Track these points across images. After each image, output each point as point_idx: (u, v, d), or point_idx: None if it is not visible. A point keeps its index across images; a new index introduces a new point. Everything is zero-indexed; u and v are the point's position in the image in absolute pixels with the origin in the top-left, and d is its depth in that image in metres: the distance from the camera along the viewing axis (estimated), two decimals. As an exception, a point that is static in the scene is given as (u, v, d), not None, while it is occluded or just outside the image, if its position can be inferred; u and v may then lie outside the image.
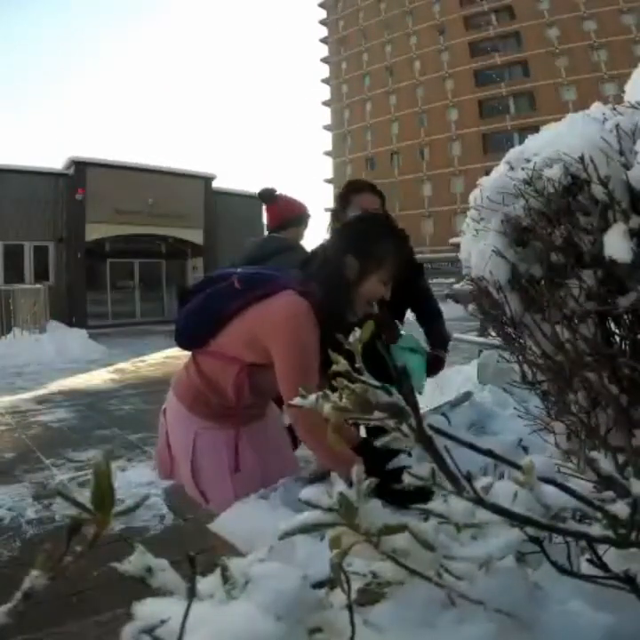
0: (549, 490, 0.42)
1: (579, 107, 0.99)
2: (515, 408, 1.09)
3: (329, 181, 48.59)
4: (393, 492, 0.56)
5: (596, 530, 0.40)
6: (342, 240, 1.37)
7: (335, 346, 0.52)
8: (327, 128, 49.48)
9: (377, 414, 0.43)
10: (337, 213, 2.09)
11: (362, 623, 0.39)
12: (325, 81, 49.83)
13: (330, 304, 1.30)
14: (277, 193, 2.58)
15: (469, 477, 0.40)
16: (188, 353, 1.53)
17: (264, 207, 2.63)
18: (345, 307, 1.34)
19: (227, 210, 16.02)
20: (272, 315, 1.30)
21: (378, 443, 0.44)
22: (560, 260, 0.81)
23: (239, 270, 1.45)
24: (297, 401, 0.48)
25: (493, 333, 1.08)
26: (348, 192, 2.12)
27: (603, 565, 0.43)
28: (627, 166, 0.70)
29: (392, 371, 0.41)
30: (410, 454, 1.05)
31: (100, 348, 9.66)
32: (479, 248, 0.94)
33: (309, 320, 1.28)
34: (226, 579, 0.39)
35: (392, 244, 1.34)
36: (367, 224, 1.40)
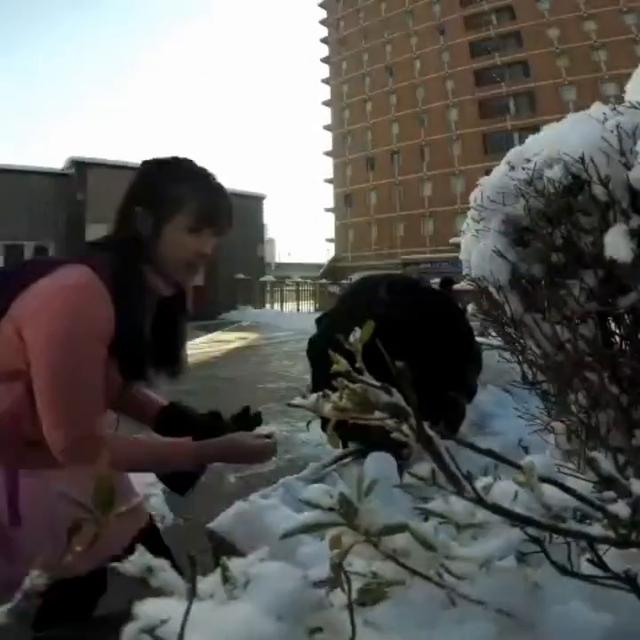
0: (549, 490, 0.42)
1: (579, 107, 0.99)
2: (515, 408, 1.09)
3: (329, 181, 48.58)
4: None
5: (596, 530, 0.40)
6: (128, 192, 1.05)
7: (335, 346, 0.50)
8: (327, 128, 49.47)
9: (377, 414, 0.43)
10: None
11: (362, 623, 0.39)
12: (325, 81, 49.83)
13: (124, 272, 0.97)
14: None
15: (469, 477, 0.40)
16: None
17: None
18: (140, 273, 1.00)
19: (227, 210, 16.03)
20: (34, 294, 0.91)
21: None
22: (560, 260, 0.81)
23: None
24: (297, 401, 0.47)
25: (493, 333, 1.08)
26: None
27: (603, 565, 0.43)
28: (627, 166, 0.70)
29: (392, 370, 0.41)
30: None
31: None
32: (479, 248, 0.94)
33: (92, 295, 0.91)
34: (226, 579, 0.39)
35: (191, 182, 1.03)
36: (154, 165, 1.06)
